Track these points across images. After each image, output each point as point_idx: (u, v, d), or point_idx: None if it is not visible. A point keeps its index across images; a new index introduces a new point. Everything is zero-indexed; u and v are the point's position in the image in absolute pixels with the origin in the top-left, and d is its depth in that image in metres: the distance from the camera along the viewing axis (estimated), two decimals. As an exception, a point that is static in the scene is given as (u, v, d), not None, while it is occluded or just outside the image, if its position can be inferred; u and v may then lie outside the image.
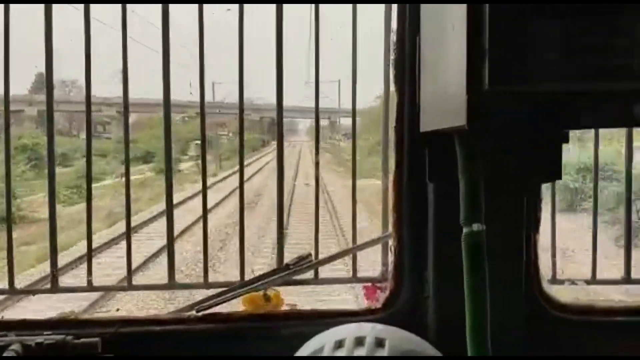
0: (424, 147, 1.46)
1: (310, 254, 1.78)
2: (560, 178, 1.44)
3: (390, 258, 1.68)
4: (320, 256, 1.83)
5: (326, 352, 1.20)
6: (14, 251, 1.85)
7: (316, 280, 1.86)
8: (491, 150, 1.25)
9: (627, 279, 1.86)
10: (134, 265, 2.07)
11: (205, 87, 1.85)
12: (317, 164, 1.93)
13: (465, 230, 1.24)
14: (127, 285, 1.83)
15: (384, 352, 1.18)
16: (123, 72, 1.82)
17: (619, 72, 0.97)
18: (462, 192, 1.24)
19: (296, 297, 1.77)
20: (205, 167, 2.00)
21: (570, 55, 0.96)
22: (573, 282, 1.79)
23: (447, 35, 1.10)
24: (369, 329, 1.27)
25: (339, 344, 1.20)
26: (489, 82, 0.96)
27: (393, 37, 1.61)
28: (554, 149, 1.41)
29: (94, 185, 1.83)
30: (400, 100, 1.57)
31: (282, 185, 1.80)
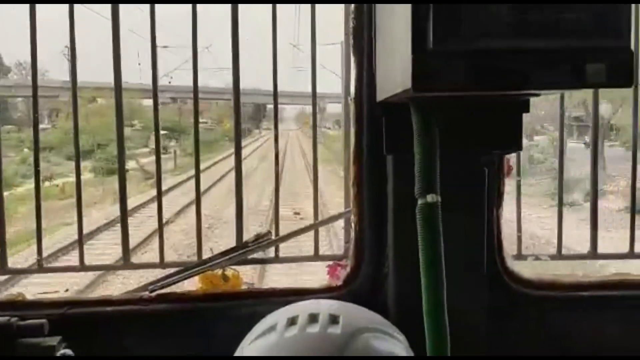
0: (381, 116, 1.41)
1: (269, 232, 1.73)
2: (520, 149, 1.41)
3: (352, 235, 1.64)
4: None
5: (279, 329, 1.15)
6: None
7: (277, 260, 1.81)
8: (448, 119, 1.21)
9: (594, 254, 1.84)
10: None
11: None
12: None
13: (420, 201, 1.20)
14: (80, 265, 1.77)
15: (337, 329, 1.14)
16: (71, 50, 1.75)
17: (570, 29, 0.93)
18: (417, 162, 1.20)
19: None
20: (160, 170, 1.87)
21: (518, 11, 0.92)
22: (537, 257, 1.76)
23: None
24: (325, 306, 1.23)
25: (292, 321, 1.16)
26: (433, 40, 0.92)
27: (351, 6, 1.55)
28: (514, 118, 1.38)
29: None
30: (359, 71, 1.52)
31: (240, 156, 1.74)
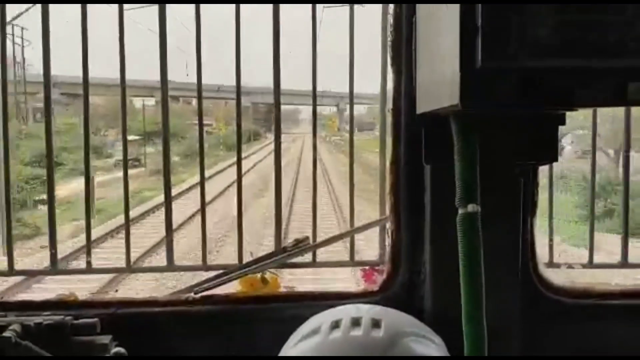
0: (421, 128, 1.46)
1: (307, 237, 1.79)
2: (556, 160, 1.44)
3: (388, 241, 1.68)
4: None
5: (322, 332, 1.20)
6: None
7: (314, 264, 1.87)
8: (487, 131, 1.25)
9: (624, 264, 1.87)
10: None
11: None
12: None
13: (460, 211, 1.23)
14: (127, 267, 1.84)
15: (379, 333, 1.18)
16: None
17: (613, 49, 0.96)
18: (458, 173, 1.23)
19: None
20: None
21: (564, 31, 0.96)
22: (570, 265, 1.79)
23: (441, 14, 1.10)
24: (366, 310, 1.27)
25: (336, 324, 1.21)
26: (481, 59, 0.96)
27: (390, 18, 1.60)
28: (550, 130, 1.42)
29: None
30: (397, 82, 1.57)
31: (280, 168, 1.79)
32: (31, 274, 5.68)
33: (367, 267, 1.80)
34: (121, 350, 1.46)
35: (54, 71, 1.74)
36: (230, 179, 12.91)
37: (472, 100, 0.99)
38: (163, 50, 1.74)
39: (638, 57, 0.97)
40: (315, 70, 1.87)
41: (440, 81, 1.13)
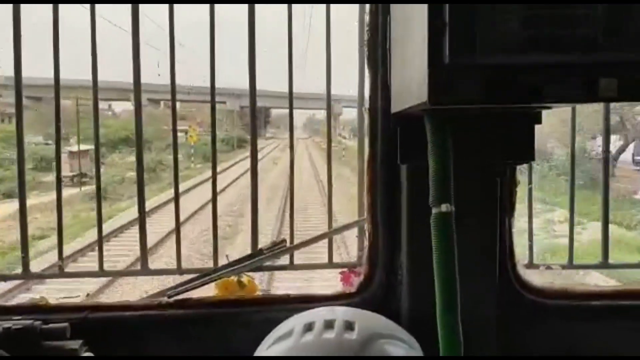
0: (395, 128, 1.44)
1: (284, 240, 1.77)
2: (533, 159, 1.43)
3: (366, 242, 1.66)
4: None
5: (295, 335, 1.18)
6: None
7: (292, 266, 1.84)
8: (461, 130, 1.23)
9: (605, 264, 1.86)
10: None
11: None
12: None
13: (434, 211, 1.22)
14: (100, 270, 1.81)
15: (353, 335, 1.17)
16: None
17: (583, 44, 0.95)
18: (431, 172, 1.22)
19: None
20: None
21: (532, 27, 0.94)
22: (549, 266, 1.78)
23: (412, 13, 1.09)
24: (340, 312, 1.26)
25: (309, 327, 1.19)
26: (449, 55, 0.95)
27: (367, 18, 1.59)
28: (526, 129, 1.41)
29: None
30: (374, 82, 1.55)
31: (256, 167, 1.77)
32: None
33: (345, 270, 1.78)
34: (90, 355, 1.42)
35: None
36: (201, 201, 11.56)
37: (440, 97, 0.97)
38: (136, 50, 1.71)
39: (609, 52, 0.96)
40: (291, 72, 1.84)
41: (411, 79, 1.12)
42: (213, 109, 1.81)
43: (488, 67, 0.96)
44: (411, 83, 1.12)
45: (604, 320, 1.63)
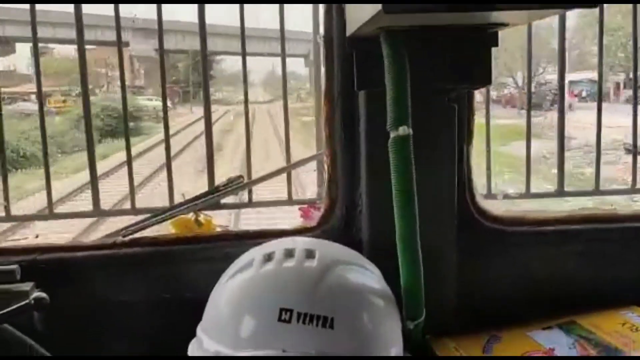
0: (351, 52, 1.40)
1: (241, 176, 1.72)
2: (490, 83, 1.42)
3: (325, 176, 1.64)
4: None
5: (255, 265, 1.16)
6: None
7: (250, 204, 1.81)
8: (415, 53, 1.20)
9: (561, 191, 1.89)
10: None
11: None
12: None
13: (392, 135, 1.20)
14: (49, 214, 1.74)
15: (313, 263, 1.15)
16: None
17: None
18: (388, 95, 1.19)
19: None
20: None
21: None
22: (507, 195, 1.80)
23: None
24: (300, 242, 1.24)
25: (269, 257, 1.17)
26: None
27: None
28: (483, 52, 1.38)
29: None
30: (328, 7, 1.50)
31: (209, 99, 1.70)
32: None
33: (304, 205, 1.76)
34: (42, 294, 1.37)
35: None
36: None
37: (396, 4, 0.93)
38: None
39: None
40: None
41: None
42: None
43: None
44: None
45: (559, 245, 1.66)
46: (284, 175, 1.82)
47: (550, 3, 0.96)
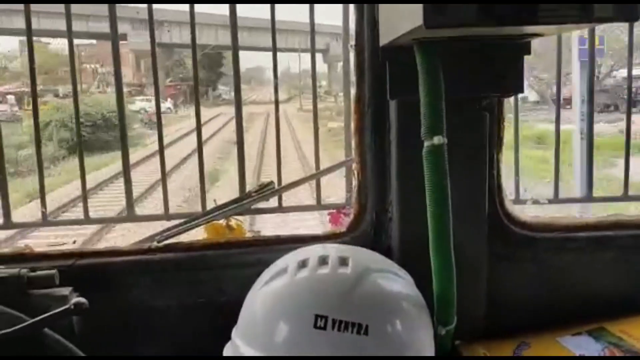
0: (384, 62, 1.41)
1: (272, 182, 1.75)
2: (522, 91, 1.42)
3: (355, 183, 1.66)
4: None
5: (290, 272, 1.18)
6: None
7: (280, 209, 1.83)
8: (450, 62, 1.21)
9: (589, 197, 1.88)
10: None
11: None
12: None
13: (426, 144, 1.21)
14: (85, 218, 1.78)
15: (347, 270, 1.17)
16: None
17: None
18: (423, 105, 1.20)
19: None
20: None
21: None
22: (536, 201, 1.80)
23: None
24: (333, 249, 1.25)
25: (303, 264, 1.19)
26: None
27: None
28: (515, 61, 1.39)
29: None
30: (360, 15, 1.51)
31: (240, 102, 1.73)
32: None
33: (333, 210, 1.78)
34: (82, 299, 1.40)
35: None
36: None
37: (436, 19, 0.94)
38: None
39: None
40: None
41: (401, 8, 1.09)
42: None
43: None
44: (402, 10, 1.08)
45: (589, 251, 1.66)
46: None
47: (592, 20, 0.97)
